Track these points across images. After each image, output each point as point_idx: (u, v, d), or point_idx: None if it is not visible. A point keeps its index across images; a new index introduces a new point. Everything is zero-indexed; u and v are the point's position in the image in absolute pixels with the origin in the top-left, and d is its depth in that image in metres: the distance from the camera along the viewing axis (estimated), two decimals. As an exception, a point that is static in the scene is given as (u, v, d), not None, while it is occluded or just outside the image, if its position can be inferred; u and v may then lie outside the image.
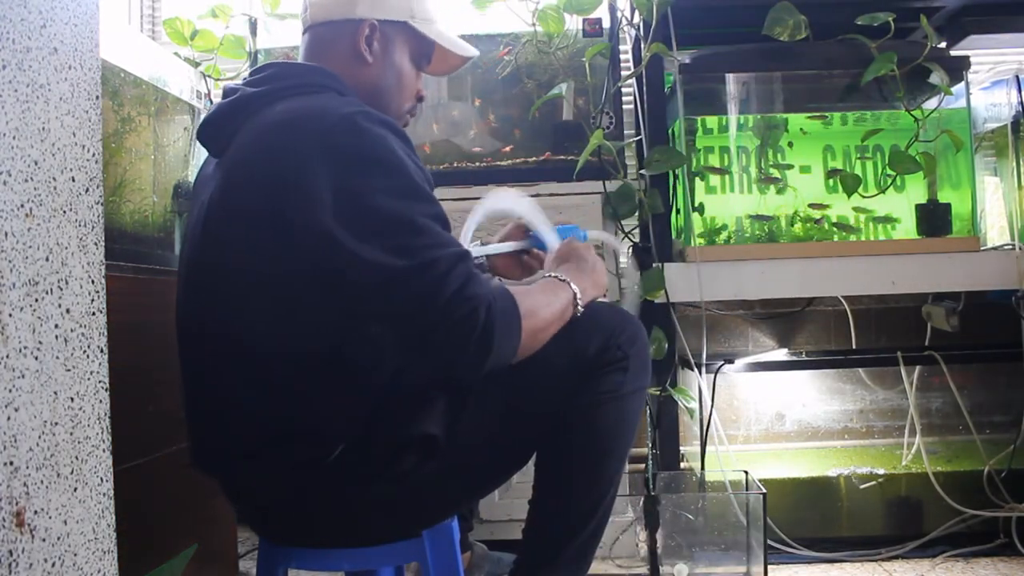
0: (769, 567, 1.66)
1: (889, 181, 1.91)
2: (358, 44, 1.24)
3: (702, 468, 1.86)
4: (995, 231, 2.13)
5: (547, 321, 1.12)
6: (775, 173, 1.98)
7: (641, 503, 1.73)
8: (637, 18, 1.93)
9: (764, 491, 1.64)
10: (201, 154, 1.85)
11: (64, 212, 0.79)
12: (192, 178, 1.79)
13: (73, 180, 0.81)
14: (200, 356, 1.15)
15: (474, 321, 1.00)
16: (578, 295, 1.17)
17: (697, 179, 1.98)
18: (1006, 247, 1.94)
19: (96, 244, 0.84)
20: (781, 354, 2.24)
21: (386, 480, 1.10)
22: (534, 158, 1.99)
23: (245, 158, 1.10)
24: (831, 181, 1.99)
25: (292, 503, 1.12)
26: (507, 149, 2.04)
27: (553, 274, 1.20)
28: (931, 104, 1.85)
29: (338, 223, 1.02)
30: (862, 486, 1.92)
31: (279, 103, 1.12)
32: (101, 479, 0.84)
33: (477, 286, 1.02)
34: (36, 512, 0.74)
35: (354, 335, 1.08)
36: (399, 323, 1.04)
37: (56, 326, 0.77)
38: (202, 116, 1.85)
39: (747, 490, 1.72)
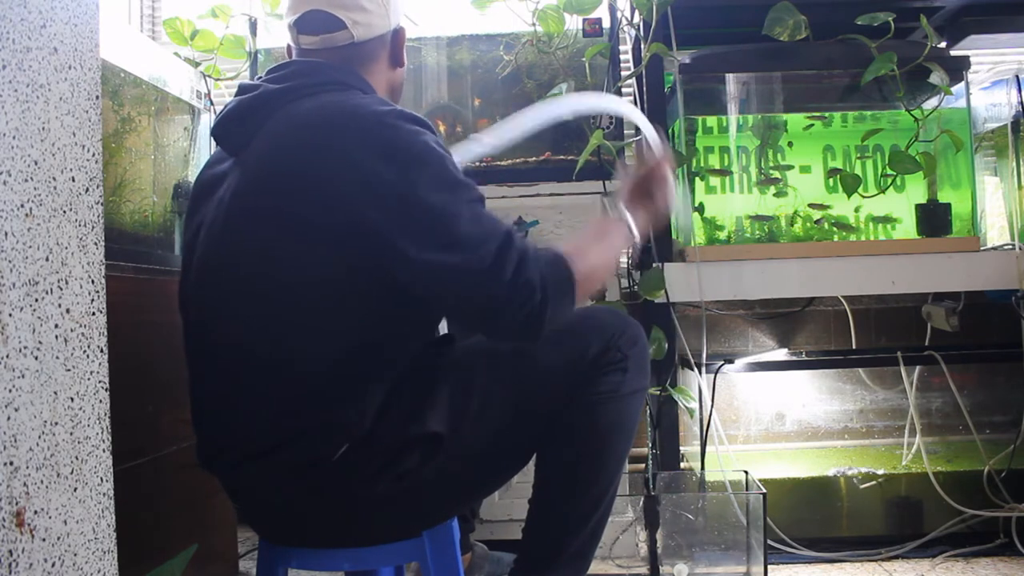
0: (769, 567, 1.66)
1: (889, 181, 1.91)
2: (399, 52, 1.27)
3: (702, 468, 1.85)
4: (995, 231, 2.13)
5: (601, 273, 1.21)
6: (775, 174, 1.98)
7: (641, 503, 1.73)
8: (637, 18, 1.93)
9: (764, 491, 1.64)
10: (202, 154, 1.85)
11: (64, 212, 0.79)
12: (192, 178, 1.78)
13: (73, 180, 0.81)
14: (212, 355, 1.14)
15: (531, 305, 1.04)
16: (632, 228, 1.28)
17: (697, 179, 1.98)
18: (1006, 247, 1.94)
19: (96, 244, 0.84)
20: (781, 354, 2.24)
21: (389, 479, 1.10)
22: (534, 158, 1.98)
23: (276, 156, 1.09)
24: (831, 181, 1.99)
25: (294, 503, 1.12)
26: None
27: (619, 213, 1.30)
28: (931, 104, 1.85)
29: (384, 221, 1.03)
30: (862, 486, 1.92)
31: (306, 100, 1.11)
32: (101, 479, 0.84)
33: (529, 270, 1.05)
34: (36, 512, 0.74)
35: (382, 330, 1.09)
36: (461, 312, 1.13)
37: (56, 326, 0.77)
38: (202, 114, 1.86)
39: (747, 490, 1.72)
